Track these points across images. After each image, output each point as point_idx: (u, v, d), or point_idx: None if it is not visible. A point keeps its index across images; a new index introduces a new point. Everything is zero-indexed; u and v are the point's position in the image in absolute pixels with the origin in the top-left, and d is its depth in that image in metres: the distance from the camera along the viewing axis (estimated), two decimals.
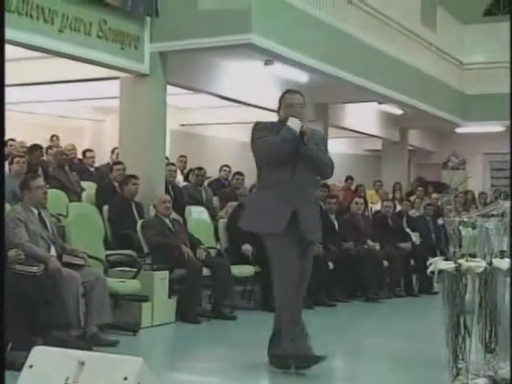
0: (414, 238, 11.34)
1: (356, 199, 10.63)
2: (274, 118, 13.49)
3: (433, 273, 4.94)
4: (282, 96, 5.75)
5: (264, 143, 5.44)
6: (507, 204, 5.99)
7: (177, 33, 9.21)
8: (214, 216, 9.64)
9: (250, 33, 8.82)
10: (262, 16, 9.05)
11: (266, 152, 5.47)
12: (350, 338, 7.10)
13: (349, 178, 14.54)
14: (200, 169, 10.72)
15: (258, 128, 5.57)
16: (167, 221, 8.05)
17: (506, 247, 5.52)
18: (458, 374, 4.78)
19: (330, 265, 9.29)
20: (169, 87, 9.94)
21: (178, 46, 9.25)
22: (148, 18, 9.19)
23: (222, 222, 9.14)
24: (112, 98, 10.24)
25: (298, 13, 9.90)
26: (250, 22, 8.82)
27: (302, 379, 5.35)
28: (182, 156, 12.02)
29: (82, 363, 3.43)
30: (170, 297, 7.48)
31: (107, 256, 7.33)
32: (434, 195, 13.05)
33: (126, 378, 3.36)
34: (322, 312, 8.75)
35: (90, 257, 6.58)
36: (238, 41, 8.95)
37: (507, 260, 5.29)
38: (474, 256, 5.04)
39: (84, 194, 9.10)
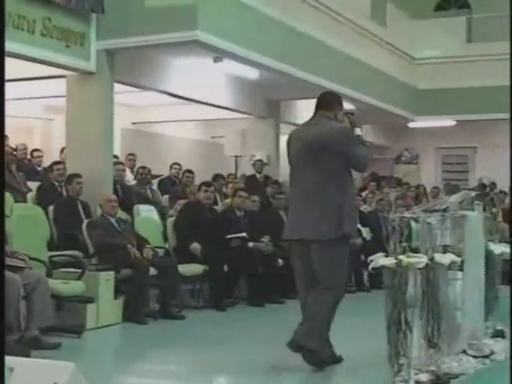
0: (364, 234, 11.38)
1: None
2: (224, 115, 13.58)
3: (375, 269, 4.95)
4: (340, 101, 5.73)
5: (364, 152, 5.55)
6: (451, 199, 6.02)
7: (123, 30, 9.11)
8: (163, 215, 9.57)
9: (196, 30, 8.77)
10: (209, 12, 9.01)
11: (366, 160, 5.61)
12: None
13: None
14: (144, 167, 10.63)
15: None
16: (113, 220, 7.97)
17: (448, 242, 5.55)
18: (399, 370, 4.78)
19: (280, 261, 9.27)
20: (119, 85, 9.86)
21: (124, 43, 9.16)
22: (94, 15, 9.07)
23: (170, 221, 9.07)
24: (60, 96, 10.10)
25: (246, 9, 9.87)
26: (196, 18, 8.78)
27: (244, 380, 5.32)
28: (130, 154, 11.91)
29: (11, 369, 3.36)
30: (116, 297, 7.39)
31: (51, 257, 7.22)
32: (385, 190, 13.10)
33: None
34: (272, 309, 8.74)
35: (32, 258, 6.48)
36: (185, 38, 8.89)
37: (449, 255, 5.32)
38: (417, 251, 5.06)
39: (30, 194, 8.98)
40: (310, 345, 5.37)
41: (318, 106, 5.62)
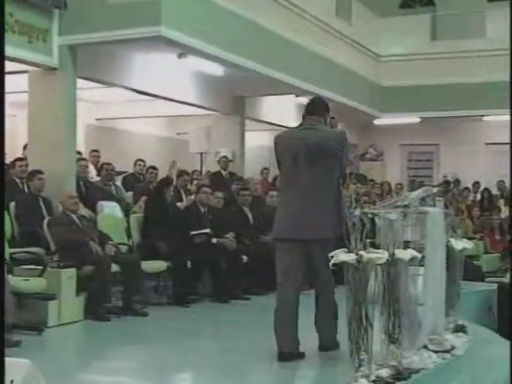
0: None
1: (271, 192, 10.61)
2: (189, 111, 13.52)
3: (335, 265, 4.95)
4: (328, 107, 6.03)
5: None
6: (412, 195, 6.05)
7: (86, 25, 9.06)
8: (127, 211, 9.52)
9: (159, 25, 8.74)
10: (173, 8, 8.97)
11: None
12: (257, 333, 7.01)
13: (264, 169, 14.57)
14: (108, 163, 10.58)
15: None
16: (74, 217, 7.90)
17: (410, 238, 5.59)
18: (360, 366, 4.79)
19: (244, 258, 9.27)
20: (82, 81, 9.78)
21: (87, 38, 9.11)
22: (56, 11, 9.02)
23: (133, 217, 9.02)
24: (23, 92, 10.00)
25: (210, 5, 9.85)
26: (160, 14, 8.74)
27: (205, 378, 5.32)
28: (94, 151, 11.81)
29: None
30: (78, 294, 7.33)
31: (12, 254, 7.14)
32: (351, 186, 13.10)
33: (12, 382, 3.28)
34: (237, 306, 8.73)
35: None
36: (148, 33, 8.86)
37: (409, 251, 5.35)
38: (379, 247, 5.09)
39: None
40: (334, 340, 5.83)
41: (311, 112, 5.87)
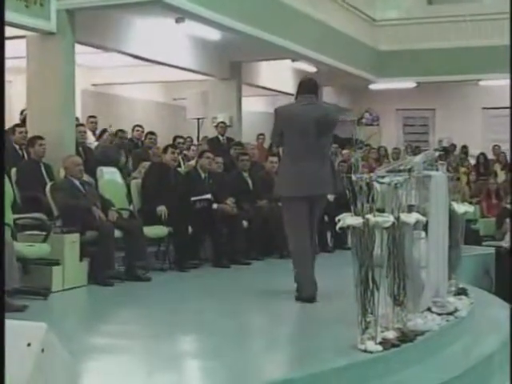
0: (328, 196, 11.40)
1: (270, 158, 10.60)
2: (186, 76, 13.44)
3: (342, 228, 4.98)
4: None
5: None
6: (416, 159, 6.07)
7: None
8: (126, 176, 9.51)
9: None
10: None
11: None
12: (260, 297, 7.07)
13: (260, 135, 14.56)
14: (123, 131, 10.60)
15: None
16: (77, 182, 7.88)
17: (414, 201, 5.61)
18: (367, 328, 4.84)
19: (244, 223, 9.30)
20: (79, 46, 9.72)
21: (85, 2, 9.08)
22: None
23: (134, 183, 9.00)
24: (20, 57, 9.94)
25: None
26: None
27: (212, 339, 5.35)
28: (91, 117, 11.75)
29: None
30: (81, 260, 7.36)
31: (16, 220, 7.14)
32: (345, 151, 13.12)
33: (29, 344, 3.31)
34: (237, 270, 8.78)
35: None
36: None
37: (414, 214, 5.38)
38: (383, 211, 5.11)
39: None
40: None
41: (308, 90, 6.67)
